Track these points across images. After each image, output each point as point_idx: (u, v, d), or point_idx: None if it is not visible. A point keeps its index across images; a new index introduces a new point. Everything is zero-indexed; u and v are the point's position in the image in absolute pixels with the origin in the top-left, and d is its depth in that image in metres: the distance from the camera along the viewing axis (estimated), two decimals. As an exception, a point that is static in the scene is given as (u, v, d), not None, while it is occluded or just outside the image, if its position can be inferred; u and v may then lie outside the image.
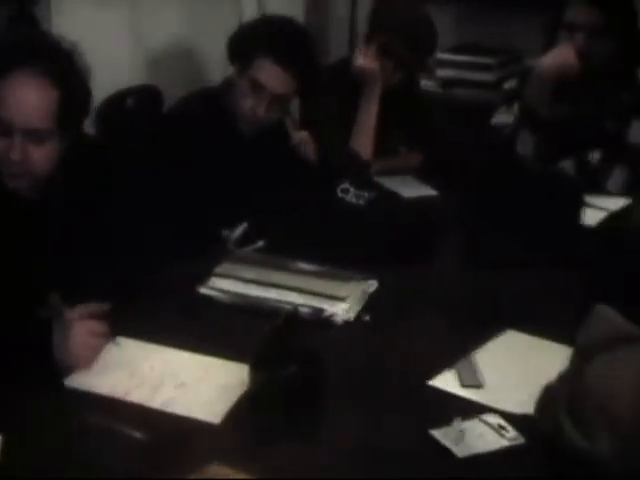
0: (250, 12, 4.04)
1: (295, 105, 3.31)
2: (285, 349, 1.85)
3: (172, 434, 1.74)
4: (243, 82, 2.78)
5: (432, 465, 1.69)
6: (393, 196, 2.92)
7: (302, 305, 2.22)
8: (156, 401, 1.84)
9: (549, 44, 3.12)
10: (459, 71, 4.17)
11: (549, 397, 1.68)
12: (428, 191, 3.08)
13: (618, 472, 1.50)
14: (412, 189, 3.08)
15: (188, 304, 2.27)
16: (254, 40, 2.78)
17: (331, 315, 2.22)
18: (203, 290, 2.32)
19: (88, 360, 1.95)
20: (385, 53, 3.19)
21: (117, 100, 3.24)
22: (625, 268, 1.86)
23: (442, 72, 4.19)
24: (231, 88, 2.84)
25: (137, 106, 3.32)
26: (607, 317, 1.65)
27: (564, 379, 1.67)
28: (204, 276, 2.34)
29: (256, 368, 1.82)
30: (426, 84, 4.02)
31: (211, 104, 2.83)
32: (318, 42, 4.07)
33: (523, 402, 1.76)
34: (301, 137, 3.03)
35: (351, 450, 1.73)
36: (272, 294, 2.29)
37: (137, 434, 1.72)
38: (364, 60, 3.22)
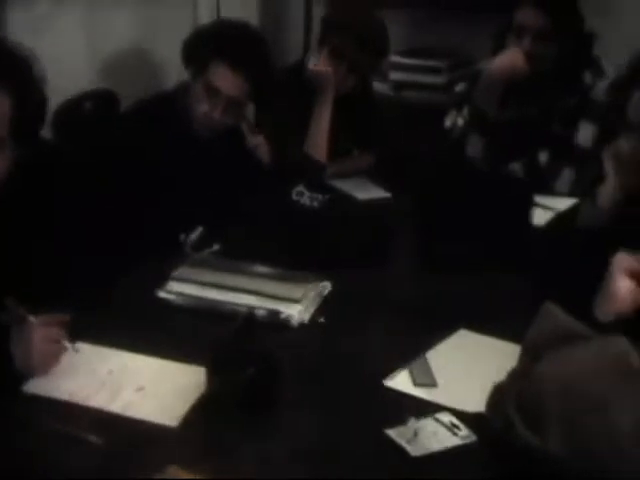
0: (205, 16, 4.03)
1: (251, 108, 3.31)
2: (242, 351, 1.85)
3: (131, 438, 1.73)
4: (198, 86, 2.77)
5: (387, 464, 1.70)
6: (347, 198, 2.93)
7: (258, 307, 2.22)
8: (115, 405, 1.83)
9: (498, 48, 3.14)
10: (411, 74, 4.18)
11: (499, 395, 1.69)
12: (381, 193, 3.09)
13: (569, 467, 1.51)
14: (366, 191, 3.09)
15: (146, 308, 2.26)
16: (209, 44, 2.77)
17: (287, 317, 2.22)
18: (161, 294, 2.32)
19: (47, 366, 1.93)
20: (338, 56, 3.19)
21: (74, 104, 3.21)
22: (572, 266, 1.87)
23: (394, 75, 4.19)
24: (186, 92, 2.83)
25: (94, 110, 3.29)
26: (555, 315, 1.67)
27: (513, 377, 1.68)
28: (162, 280, 2.33)
29: (213, 371, 1.82)
30: (379, 87, 4.02)
31: (166, 108, 2.81)
32: (273, 45, 4.07)
33: (475, 400, 1.77)
34: (256, 140, 3.02)
35: (307, 450, 1.73)
36: (228, 297, 2.28)
37: (96, 439, 1.71)
38: (319, 64, 3.21)
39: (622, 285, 1.61)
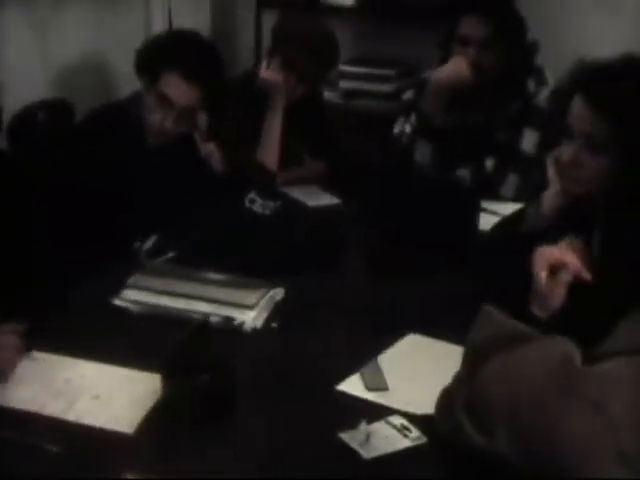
0: (158, 26, 4.01)
1: (203, 117, 3.30)
2: (196, 358, 1.85)
3: (87, 446, 1.72)
4: (151, 96, 2.76)
5: (340, 467, 1.70)
6: (298, 205, 2.93)
7: (212, 314, 2.22)
8: (71, 414, 1.82)
9: (444, 56, 3.15)
10: (360, 83, 4.18)
11: (448, 398, 1.70)
12: (332, 200, 3.09)
13: (517, 466, 1.52)
14: (316, 198, 3.09)
15: (102, 316, 2.24)
16: (160, 54, 2.76)
17: (240, 323, 2.22)
18: (116, 302, 2.30)
19: (3, 374, 1.92)
20: (288, 66, 3.19)
21: (28, 114, 3.18)
22: (515, 270, 1.88)
23: (344, 84, 4.19)
24: (139, 102, 2.81)
25: (48, 120, 3.26)
26: (495, 317, 1.68)
27: (460, 380, 1.69)
28: (117, 288, 2.32)
29: (168, 377, 1.81)
30: (330, 95, 4.03)
31: (119, 118, 2.80)
32: (225, 55, 4.06)
33: (426, 403, 1.78)
34: (209, 149, 3.02)
35: (261, 455, 1.73)
36: (183, 304, 2.27)
37: (52, 447, 1.69)
38: (268, 73, 3.21)
39: (542, 278, 1.63)
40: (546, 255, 1.63)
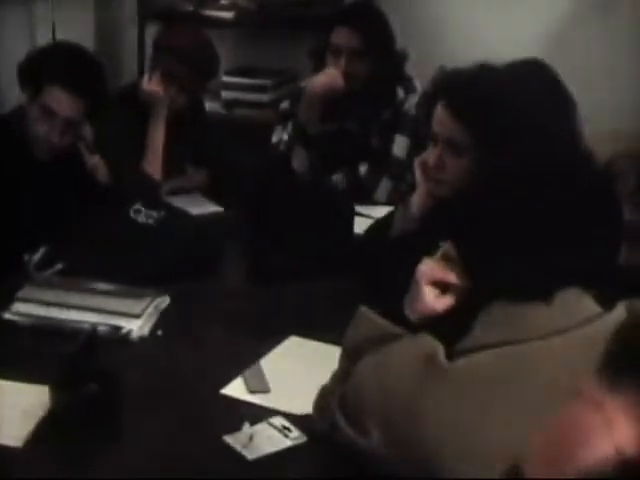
0: (42, 39, 3.93)
1: (89, 129, 3.24)
2: (84, 369, 1.82)
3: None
4: (34, 109, 2.70)
5: (225, 469, 1.70)
6: (182, 214, 2.91)
7: (100, 324, 2.19)
8: (-41, 430, 1.78)
9: (318, 66, 3.17)
10: (240, 93, 4.16)
11: (324, 398, 1.71)
12: (214, 208, 3.08)
13: (392, 461, 1.53)
14: (199, 207, 3.07)
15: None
16: (43, 67, 2.70)
17: (127, 332, 2.19)
18: (6, 315, 2.25)
19: None
20: (168, 77, 3.16)
21: None
22: (387, 270, 1.90)
23: (225, 94, 4.17)
24: (23, 115, 2.75)
25: None
26: (369, 318, 1.69)
27: (336, 380, 1.70)
28: (7, 301, 2.27)
29: (56, 389, 1.78)
30: (212, 105, 4.01)
31: (3, 131, 2.73)
32: (109, 67, 4.01)
33: (306, 403, 1.78)
34: (95, 160, 2.97)
35: (151, 462, 1.72)
36: (72, 315, 2.24)
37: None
38: (149, 85, 3.18)
39: (426, 294, 1.64)
40: (429, 273, 1.64)
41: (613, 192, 1.56)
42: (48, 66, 2.69)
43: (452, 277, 1.61)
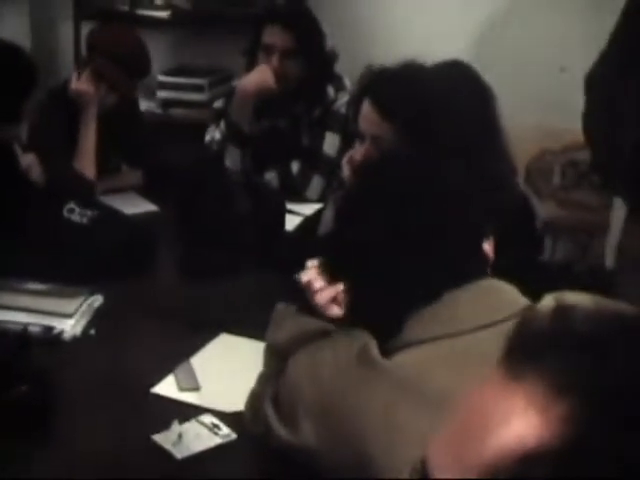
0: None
1: (24, 128, 3.18)
2: (15, 370, 1.77)
3: None
4: None
5: (154, 468, 1.67)
6: (116, 213, 2.85)
7: (31, 324, 2.13)
8: None
9: (250, 64, 3.13)
10: (176, 92, 4.10)
11: (255, 400, 1.67)
12: (149, 207, 3.03)
13: (325, 457, 1.50)
14: (134, 205, 3.01)
15: None
16: None
17: (59, 332, 2.14)
18: None
19: None
20: (98, 76, 3.09)
21: None
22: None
23: (161, 93, 4.11)
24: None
25: None
26: (292, 316, 1.66)
27: (265, 381, 1.66)
28: None
29: (-14, 391, 1.73)
30: (148, 105, 3.95)
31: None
32: (45, 66, 3.94)
33: (236, 400, 1.75)
34: (28, 160, 2.90)
35: (82, 462, 1.68)
36: (2, 315, 2.18)
37: None
38: (78, 83, 3.11)
39: (318, 305, 1.61)
40: (310, 287, 1.63)
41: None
42: None
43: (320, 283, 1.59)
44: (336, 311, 1.58)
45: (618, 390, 0.66)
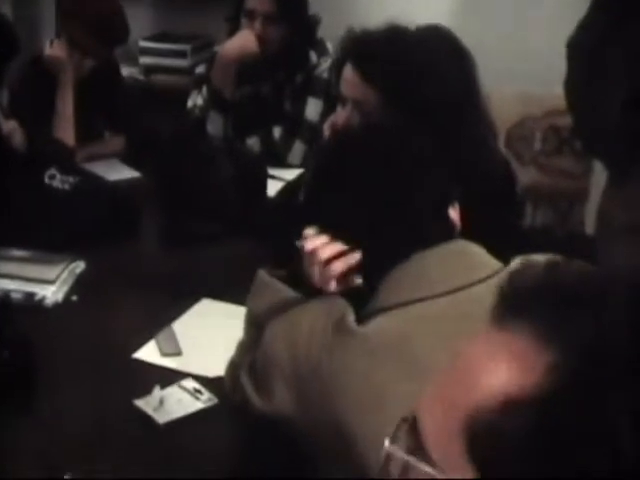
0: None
1: (5, 95, 3.14)
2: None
3: None
4: None
5: (136, 433, 1.66)
6: (98, 180, 2.82)
7: (13, 291, 2.11)
8: None
9: (233, 30, 3.09)
10: (159, 58, 4.05)
11: (234, 369, 1.65)
12: (132, 173, 2.99)
13: (301, 424, 1.48)
14: (116, 172, 2.97)
15: None
16: None
17: (41, 298, 2.12)
18: None
19: None
20: (72, 43, 3.04)
21: None
22: (296, 232, 1.82)
23: (144, 59, 4.06)
24: None
25: None
26: (270, 285, 1.63)
27: (243, 348, 1.64)
28: None
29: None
30: (130, 71, 3.90)
31: None
32: (27, 32, 3.88)
33: (217, 365, 1.73)
34: (10, 126, 2.86)
35: (64, 427, 1.67)
36: (-16, 282, 2.15)
37: None
38: (52, 50, 3.06)
39: (316, 275, 1.57)
40: (316, 254, 1.57)
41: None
42: None
43: (336, 249, 1.54)
44: (332, 285, 1.54)
45: (602, 344, 0.66)
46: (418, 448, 0.73)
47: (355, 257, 1.51)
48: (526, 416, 0.65)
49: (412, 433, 0.74)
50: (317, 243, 1.54)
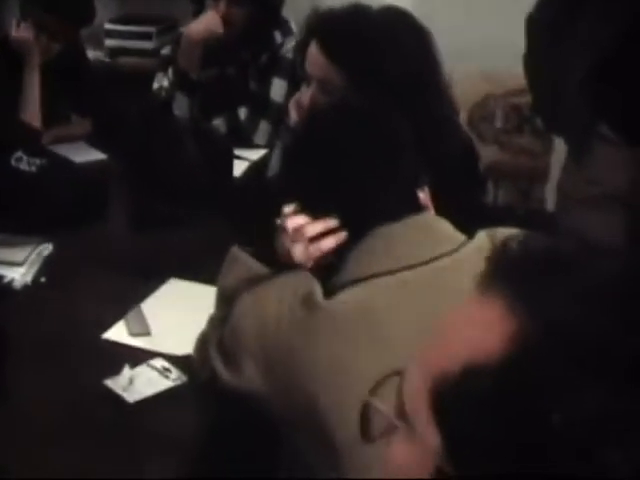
0: None
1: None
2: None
3: None
4: None
5: (106, 413, 1.64)
6: (65, 162, 2.78)
7: (-19, 274, 2.08)
8: None
9: (198, 11, 3.05)
10: (124, 40, 4.01)
11: (203, 344, 1.63)
12: (98, 155, 2.95)
13: (269, 399, 1.47)
14: (83, 154, 2.93)
15: None
16: None
17: (9, 281, 2.09)
18: None
19: None
20: (37, 26, 2.99)
21: None
22: (263, 213, 1.80)
23: (109, 42, 4.01)
24: None
25: None
26: (242, 261, 1.62)
27: (214, 325, 1.63)
28: None
29: None
30: (95, 54, 3.85)
31: None
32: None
33: (186, 344, 1.71)
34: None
35: (34, 408, 1.65)
36: (-49, 266, 2.12)
37: None
38: (18, 32, 3.00)
39: (296, 253, 1.55)
40: (305, 232, 1.54)
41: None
42: None
43: (321, 226, 1.52)
44: (311, 260, 1.53)
45: (567, 318, 0.66)
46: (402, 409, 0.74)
47: (343, 235, 1.50)
48: (484, 382, 0.66)
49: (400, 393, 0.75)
50: (300, 221, 1.52)
